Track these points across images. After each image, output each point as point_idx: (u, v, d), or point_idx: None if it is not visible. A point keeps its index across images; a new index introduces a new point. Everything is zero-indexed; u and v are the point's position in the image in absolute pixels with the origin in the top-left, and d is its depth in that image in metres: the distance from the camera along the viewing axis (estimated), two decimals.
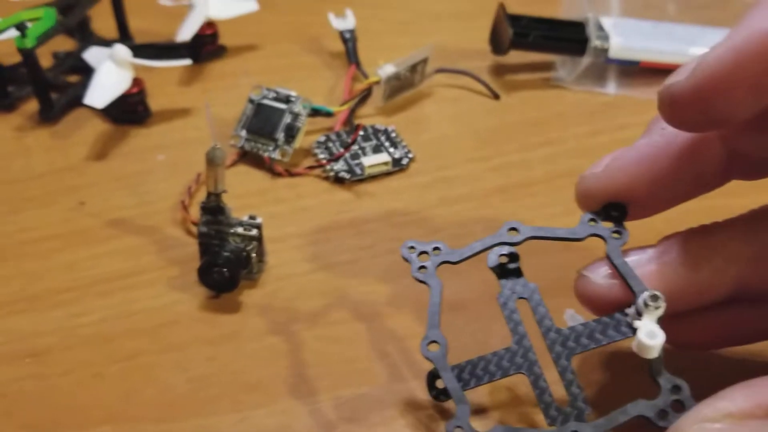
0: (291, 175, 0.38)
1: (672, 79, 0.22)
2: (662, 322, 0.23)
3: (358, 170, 0.38)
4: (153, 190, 0.38)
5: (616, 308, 0.25)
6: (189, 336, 0.31)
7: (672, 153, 0.25)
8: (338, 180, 0.38)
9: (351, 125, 0.41)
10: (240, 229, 0.32)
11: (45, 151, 0.40)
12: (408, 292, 0.32)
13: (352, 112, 0.42)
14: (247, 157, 0.39)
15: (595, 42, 0.43)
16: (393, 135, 0.40)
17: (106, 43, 0.46)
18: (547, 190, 0.38)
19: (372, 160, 0.38)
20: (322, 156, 0.39)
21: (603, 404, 0.24)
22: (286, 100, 0.39)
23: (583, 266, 0.26)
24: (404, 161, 0.39)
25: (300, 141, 0.38)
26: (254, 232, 0.32)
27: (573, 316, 0.29)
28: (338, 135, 0.40)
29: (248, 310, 0.32)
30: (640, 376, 0.23)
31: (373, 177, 0.38)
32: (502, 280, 0.26)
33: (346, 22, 0.46)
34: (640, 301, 0.24)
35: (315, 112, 0.39)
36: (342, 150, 0.38)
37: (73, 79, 0.45)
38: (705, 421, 0.20)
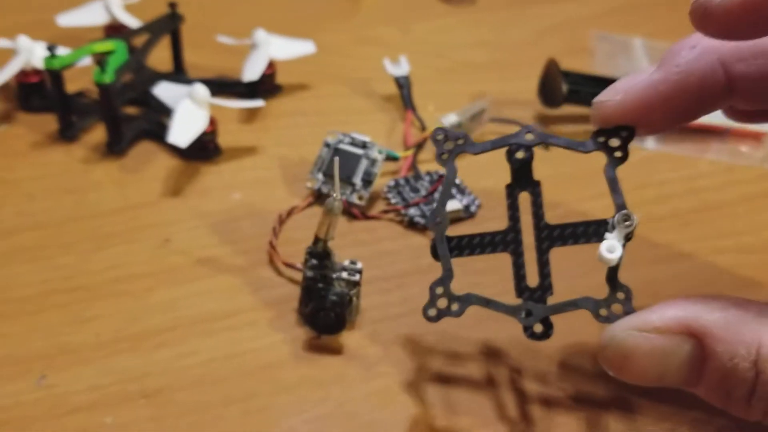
0: (366, 218, 0.40)
1: None
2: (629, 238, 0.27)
3: None
4: (235, 229, 0.38)
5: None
6: (297, 377, 0.32)
7: (684, 86, 0.28)
8: (412, 224, 0.39)
9: (416, 170, 0.43)
10: (344, 274, 0.33)
11: (116, 186, 0.40)
12: (498, 334, 0.34)
13: (415, 157, 0.44)
14: (321, 199, 0.40)
15: None
16: (458, 182, 0.42)
17: (163, 76, 0.46)
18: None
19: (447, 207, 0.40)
20: (394, 201, 0.40)
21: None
22: (363, 145, 0.40)
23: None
24: (472, 209, 0.41)
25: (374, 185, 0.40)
26: (357, 277, 0.33)
27: None
28: (407, 180, 0.42)
29: (350, 351, 0.33)
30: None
31: None
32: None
33: (401, 68, 0.47)
34: (615, 217, 0.27)
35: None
36: (419, 197, 0.40)
37: (131, 111, 0.45)
38: (635, 329, 0.25)
